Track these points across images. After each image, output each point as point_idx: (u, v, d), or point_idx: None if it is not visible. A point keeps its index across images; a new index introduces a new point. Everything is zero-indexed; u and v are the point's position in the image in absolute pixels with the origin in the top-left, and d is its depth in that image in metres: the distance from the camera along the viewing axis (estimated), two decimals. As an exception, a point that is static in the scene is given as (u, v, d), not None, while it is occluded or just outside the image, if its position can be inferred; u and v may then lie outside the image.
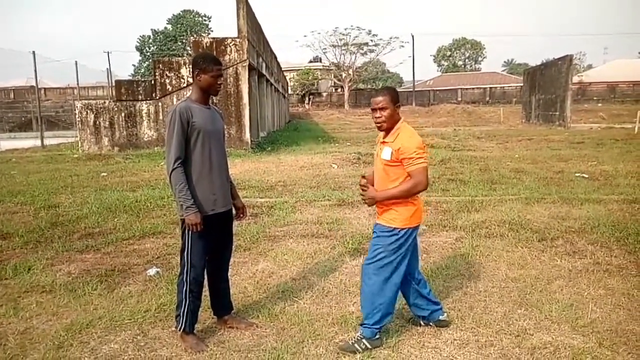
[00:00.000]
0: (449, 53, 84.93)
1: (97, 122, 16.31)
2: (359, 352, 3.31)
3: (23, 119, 39.29)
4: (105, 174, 11.83)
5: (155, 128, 16.28)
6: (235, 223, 3.81)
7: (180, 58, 17.30)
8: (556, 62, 30.19)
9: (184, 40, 59.94)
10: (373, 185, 3.46)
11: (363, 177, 3.50)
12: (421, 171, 3.27)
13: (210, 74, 3.39)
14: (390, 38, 56.55)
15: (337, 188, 9.31)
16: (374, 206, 3.46)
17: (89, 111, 16.34)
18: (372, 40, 56.07)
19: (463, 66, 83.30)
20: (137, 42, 64.29)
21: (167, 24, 63.61)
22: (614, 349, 3.33)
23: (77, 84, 30.24)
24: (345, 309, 4.03)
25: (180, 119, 3.29)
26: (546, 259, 5.14)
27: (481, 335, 3.55)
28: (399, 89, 63.77)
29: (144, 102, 16.19)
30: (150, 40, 63.77)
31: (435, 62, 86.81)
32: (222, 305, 3.80)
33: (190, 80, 16.58)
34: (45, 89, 41.70)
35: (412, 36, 56.49)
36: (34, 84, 24.42)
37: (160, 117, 16.16)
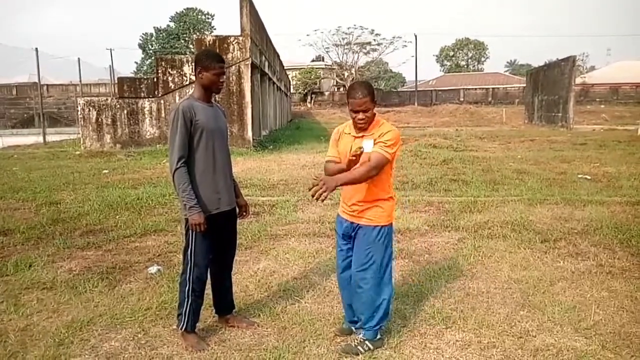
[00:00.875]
0: (451, 53, 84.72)
1: (100, 119, 16.30)
2: (362, 354, 3.29)
3: (25, 115, 39.33)
4: (107, 171, 11.83)
5: (157, 126, 16.27)
6: (237, 221, 3.80)
7: (182, 56, 17.28)
8: (559, 63, 30.12)
9: (186, 38, 59.88)
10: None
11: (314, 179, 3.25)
12: (382, 158, 3.13)
13: (212, 72, 3.36)
14: (393, 37, 56.53)
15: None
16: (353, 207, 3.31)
17: (91, 108, 16.34)
18: (374, 40, 55.96)
19: (466, 66, 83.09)
20: (140, 39, 64.18)
21: (170, 21, 63.46)
22: (617, 352, 3.31)
23: (80, 81, 30.25)
24: (346, 309, 4.01)
25: (183, 117, 3.27)
26: (549, 261, 5.12)
27: (484, 336, 3.53)
28: (401, 89, 64.03)
29: (146, 99, 16.18)
30: (153, 38, 63.69)
31: (438, 62, 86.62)
32: (225, 304, 3.78)
33: (193, 78, 16.61)
34: (47, 85, 41.68)
35: (415, 36, 56.48)
36: (36, 80, 24.40)
37: (163, 115, 16.15)
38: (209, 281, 3.64)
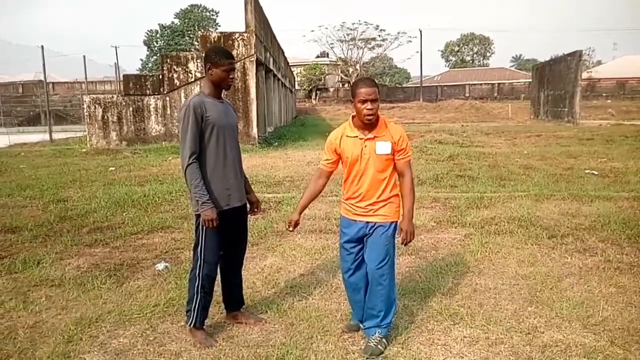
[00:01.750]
0: (457, 48, 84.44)
1: (105, 116, 16.35)
2: (383, 352, 3.27)
3: (31, 113, 39.49)
4: (113, 168, 11.87)
5: (163, 123, 16.30)
6: (249, 217, 3.80)
7: (188, 53, 17.29)
8: (565, 57, 29.93)
9: (191, 35, 59.94)
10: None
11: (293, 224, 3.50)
12: (409, 162, 3.30)
13: (222, 68, 3.36)
14: (398, 33, 56.21)
15: (344, 184, 9.27)
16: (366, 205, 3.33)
17: (97, 106, 16.39)
18: (379, 35, 55.81)
19: (471, 62, 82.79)
20: (145, 36, 64.36)
21: (175, 18, 63.60)
22: (626, 348, 3.30)
23: (85, 78, 30.35)
24: (354, 305, 4.01)
25: (194, 113, 3.27)
26: (556, 257, 5.10)
27: (491, 332, 3.53)
28: (406, 85, 63.85)
29: (152, 96, 16.21)
30: (158, 35, 63.80)
31: (443, 57, 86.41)
32: (234, 301, 3.79)
33: (198, 74, 16.67)
34: (53, 83, 41.89)
35: (420, 31, 56.19)
36: (42, 78, 24.51)
37: (168, 112, 16.18)
38: (218, 278, 3.64)
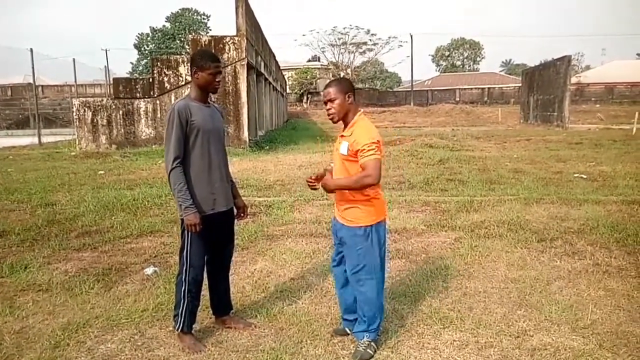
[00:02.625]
0: (447, 53, 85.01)
1: (95, 119, 16.25)
2: (373, 356, 3.27)
3: (20, 116, 39.14)
4: (102, 172, 11.79)
5: (153, 126, 16.23)
6: (235, 222, 3.78)
7: (178, 56, 17.24)
8: (554, 62, 30.19)
9: (182, 39, 59.79)
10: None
11: (310, 177, 3.48)
12: (372, 163, 3.08)
13: (208, 72, 3.35)
14: (389, 37, 56.71)
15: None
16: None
17: (86, 109, 16.29)
18: (370, 40, 56.14)
19: (461, 66, 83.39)
20: (136, 39, 64.10)
21: (166, 21, 63.45)
22: (614, 351, 3.31)
23: (75, 81, 30.04)
24: (344, 309, 4.00)
25: (179, 117, 3.25)
26: (545, 260, 5.12)
27: (481, 336, 3.53)
28: (397, 89, 64.11)
29: (142, 100, 16.15)
30: (149, 38, 63.59)
31: (433, 62, 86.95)
32: (222, 305, 3.77)
33: (189, 78, 16.58)
34: (42, 86, 41.49)
35: (411, 36, 56.46)
36: (31, 81, 24.30)
37: (159, 115, 16.11)
38: (205, 282, 3.62)
